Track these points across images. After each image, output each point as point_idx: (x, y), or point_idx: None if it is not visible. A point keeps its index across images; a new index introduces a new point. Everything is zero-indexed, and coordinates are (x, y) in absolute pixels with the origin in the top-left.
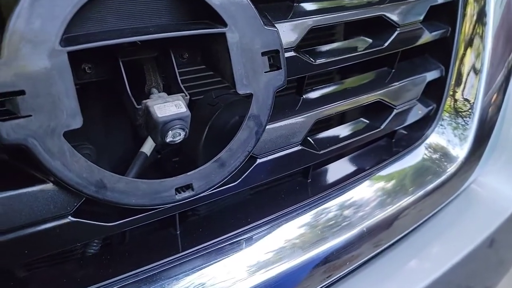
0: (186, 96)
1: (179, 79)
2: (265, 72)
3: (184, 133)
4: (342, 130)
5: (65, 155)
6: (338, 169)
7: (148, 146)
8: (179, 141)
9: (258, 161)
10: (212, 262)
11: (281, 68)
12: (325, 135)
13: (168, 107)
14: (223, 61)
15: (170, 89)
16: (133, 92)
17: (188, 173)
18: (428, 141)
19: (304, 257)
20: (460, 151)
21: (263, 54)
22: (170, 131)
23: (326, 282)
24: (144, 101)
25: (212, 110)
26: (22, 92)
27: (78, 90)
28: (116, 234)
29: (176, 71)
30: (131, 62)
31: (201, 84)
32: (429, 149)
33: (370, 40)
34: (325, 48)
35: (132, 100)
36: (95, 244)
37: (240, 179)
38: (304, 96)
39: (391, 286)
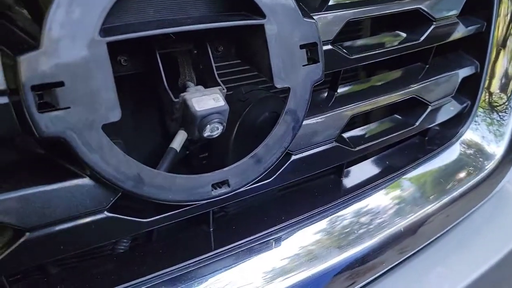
0: (224, 89)
1: (215, 72)
2: (303, 66)
3: (222, 127)
4: (376, 127)
5: (103, 148)
6: (371, 167)
7: (177, 142)
8: (217, 135)
9: (293, 157)
10: (244, 261)
11: (318, 62)
12: (359, 132)
13: (206, 101)
14: (260, 54)
15: (205, 83)
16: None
17: (224, 169)
18: (462, 138)
19: (341, 258)
20: (496, 148)
21: (301, 47)
22: (208, 125)
23: (363, 283)
24: (182, 94)
25: (242, 106)
26: (61, 84)
27: None
28: (145, 232)
29: (213, 63)
30: (165, 56)
31: (235, 79)
32: (464, 147)
33: (404, 35)
34: (359, 42)
35: (169, 93)
36: (125, 241)
37: (275, 176)
38: (338, 92)
39: None
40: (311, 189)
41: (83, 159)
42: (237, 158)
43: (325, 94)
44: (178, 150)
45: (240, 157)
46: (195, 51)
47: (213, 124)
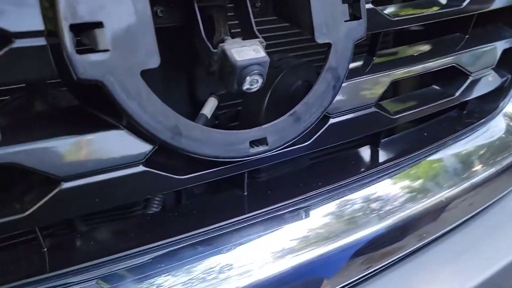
0: (263, 42)
1: (254, 25)
2: (344, 21)
3: (262, 80)
4: (415, 97)
5: (142, 95)
6: (409, 139)
7: (208, 108)
8: (255, 89)
9: (331, 121)
10: (278, 227)
11: (360, 18)
12: (398, 100)
13: (246, 51)
14: (301, 8)
15: (243, 38)
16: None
17: (263, 126)
18: (503, 111)
19: (381, 225)
20: None
21: (343, 1)
22: (248, 77)
23: (403, 254)
24: (221, 44)
25: (275, 73)
26: (100, 24)
27: None
28: (176, 194)
29: (252, 17)
30: (200, 12)
31: (270, 36)
32: (507, 120)
33: (445, 0)
34: (399, 6)
35: (208, 43)
36: (157, 201)
37: (313, 139)
38: (376, 57)
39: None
40: (346, 158)
41: (120, 105)
42: None
43: (362, 59)
44: (209, 116)
45: None
46: (232, 6)
47: (253, 76)
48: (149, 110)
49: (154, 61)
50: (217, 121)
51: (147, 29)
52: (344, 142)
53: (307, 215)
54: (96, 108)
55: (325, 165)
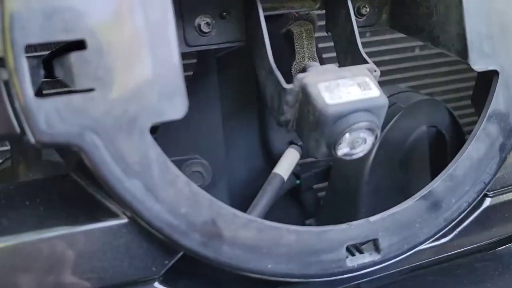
0: (375, 70)
1: (359, 43)
2: None
3: (372, 138)
4: None
5: (151, 169)
6: None
7: (285, 165)
8: (361, 154)
9: (490, 201)
10: None
11: None
12: None
13: (345, 87)
14: (445, 14)
15: (339, 64)
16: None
17: (371, 219)
18: None
19: None
20: None
21: None
22: (347, 134)
23: None
24: (301, 75)
25: (386, 115)
26: (81, 44)
27: None
28: None
29: (356, 30)
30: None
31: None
32: None
33: None
34: None
35: (277, 75)
36: None
37: (455, 233)
38: None
39: None
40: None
41: (113, 187)
42: (376, 199)
43: None
44: (285, 177)
45: (382, 198)
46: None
47: (357, 132)
48: (164, 194)
49: (176, 109)
50: (298, 181)
51: (165, 48)
52: None
53: None
54: (90, 183)
55: (469, 269)
